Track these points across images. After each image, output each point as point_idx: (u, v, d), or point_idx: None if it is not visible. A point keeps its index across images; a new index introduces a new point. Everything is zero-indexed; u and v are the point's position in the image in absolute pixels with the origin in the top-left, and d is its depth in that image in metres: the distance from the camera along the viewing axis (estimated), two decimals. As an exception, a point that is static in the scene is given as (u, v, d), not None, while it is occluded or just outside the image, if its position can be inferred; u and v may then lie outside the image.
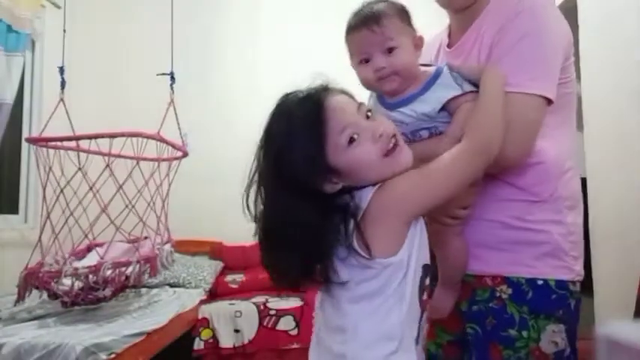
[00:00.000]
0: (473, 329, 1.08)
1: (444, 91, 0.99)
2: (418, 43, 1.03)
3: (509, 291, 1.04)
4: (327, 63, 4.88)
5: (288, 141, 0.85)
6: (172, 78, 2.91)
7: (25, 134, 3.30)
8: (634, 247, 2.16)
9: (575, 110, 1.14)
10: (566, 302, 1.05)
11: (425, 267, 0.92)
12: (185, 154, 2.94)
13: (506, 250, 1.06)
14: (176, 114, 2.82)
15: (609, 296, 2.34)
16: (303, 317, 3.25)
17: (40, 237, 2.40)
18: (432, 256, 1.02)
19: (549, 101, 1.01)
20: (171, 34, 2.95)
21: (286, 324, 3.26)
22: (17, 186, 3.39)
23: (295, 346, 3.22)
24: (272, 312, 3.27)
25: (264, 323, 3.25)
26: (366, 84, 1.05)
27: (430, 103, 0.99)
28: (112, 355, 2.03)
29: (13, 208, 3.35)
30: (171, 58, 2.91)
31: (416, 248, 0.89)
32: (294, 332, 3.25)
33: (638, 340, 0.32)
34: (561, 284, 1.05)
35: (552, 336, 1.03)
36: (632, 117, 2.34)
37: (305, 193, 0.85)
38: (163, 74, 2.89)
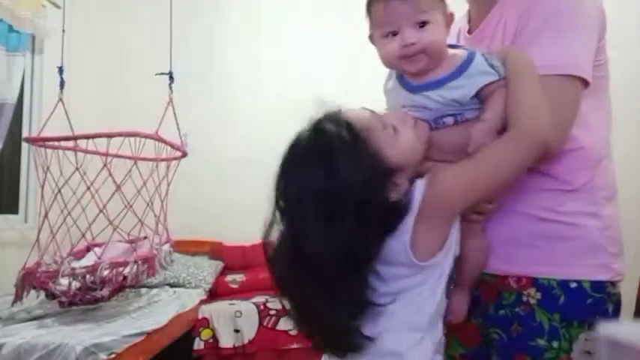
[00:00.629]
0: (497, 334, 0.98)
1: (479, 76, 0.89)
2: (449, 20, 0.93)
3: (538, 295, 0.93)
4: (328, 63, 4.89)
5: (337, 168, 0.78)
6: (171, 78, 2.91)
7: (25, 134, 3.30)
8: (634, 247, 2.15)
9: (609, 95, 1.04)
10: (604, 307, 0.94)
11: (455, 259, 0.89)
12: (184, 154, 2.93)
13: (534, 247, 0.95)
14: (175, 114, 2.82)
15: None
16: (303, 317, 3.24)
17: (37, 237, 2.40)
18: None
19: (586, 83, 0.92)
20: (170, 33, 2.94)
21: (286, 324, 3.25)
22: (17, 186, 3.39)
23: (295, 346, 3.22)
24: (272, 312, 3.26)
25: (264, 323, 3.25)
26: (389, 61, 0.93)
27: (463, 88, 0.89)
28: (112, 355, 2.03)
29: (13, 208, 3.35)
30: (170, 57, 2.91)
31: (453, 244, 0.86)
32: (294, 332, 3.25)
33: (638, 340, 0.31)
34: (598, 286, 0.93)
35: (585, 345, 0.92)
36: (631, 117, 2.34)
37: (368, 212, 0.78)
38: (162, 74, 2.89)
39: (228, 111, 4.16)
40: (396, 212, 0.81)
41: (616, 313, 0.97)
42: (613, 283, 0.96)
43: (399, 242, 0.81)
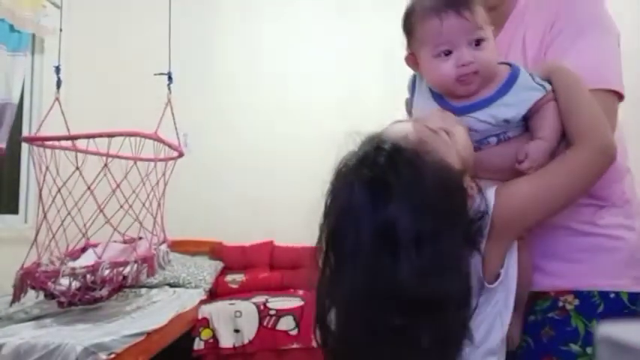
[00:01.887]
0: (525, 342, 0.95)
1: (528, 92, 0.83)
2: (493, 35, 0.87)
3: (576, 302, 0.92)
4: (328, 63, 4.89)
5: (418, 201, 0.68)
6: (170, 78, 2.91)
7: (25, 134, 3.30)
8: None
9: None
10: (636, 319, 0.92)
11: None
12: (181, 154, 2.93)
13: (577, 261, 0.94)
14: (173, 114, 2.82)
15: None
16: (303, 317, 3.25)
17: (36, 237, 2.40)
18: None
19: (620, 97, 0.93)
20: (169, 34, 2.94)
21: (286, 324, 3.26)
22: (17, 186, 3.39)
23: (295, 346, 3.22)
24: (272, 312, 3.26)
25: (264, 323, 3.25)
26: (443, 83, 0.85)
27: (514, 106, 0.83)
28: (112, 355, 2.03)
29: (12, 208, 3.35)
30: (169, 58, 2.91)
31: (514, 262, 0.81)
32: (294, 332, 3.25)
33: (638, 340, 0.31)
34: (634, 298, 0.93)
35: None
36: (631, 116, 2.34)
37: (463, 231, 0.72)
38: (161, 74, 2.89)
39: (227, 111, 4.16)
40: (478, 224, 0.75)
41: None
42: None
43: (475, 261, 0.75)
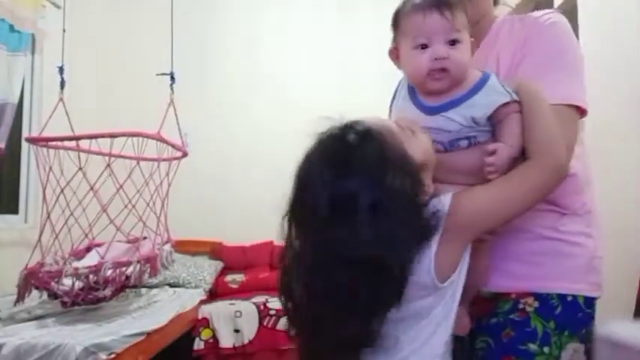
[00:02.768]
0: (485, 343, 1.00)
1: (495, 96, 0.89)
2: (472, 46, 0.95)
3: (536, 304, 0.98)
4: (328, 62, 4.89)
5: (375, 173, 0.77)
6: (172, 78, 2.91)
7: (25, 134, 3.30)
8: (634, 248, 2.15)
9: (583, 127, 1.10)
10: (590, 321, 1.00)
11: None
12: (185, 154, 2.94)
13: (538, 264, 0.99)
14: (176, 114, 2.83)
15: (609, 296, 2.34)
16: (303, 317, 3.24)
17: (39, 237, 2.40)
18: None
19: (582, 113, 0.98)
20: (171, 33, 2.95)
21: (286, 324, 3.25)
22: (17, 186, 3.39)
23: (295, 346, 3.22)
24: (272, 312, 3.26)
25: (264, 323, 3.25)
26: (416, 74, 0.93)
27: (481, 107, 0.89)
28: (112, 355, 2.03)
29: (13, 208, 3.35)
30: (171, 58, 2.91)
31: (465, 266, 0.86)
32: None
33: (638, 340, 0.32)
34: (589, 302, 1.00)
35: (572, 356, 0.96)
36: (631, 116, 2.34)
37: (409, 209, 0.79)
38: (163, 74, 2.89)
39: (227, 111, 4.16)
40: (432, 219, 0.81)
41: (593, 329, 1.03)
42: (595, 300, 1.02)
43: (425, 258, 0.80)
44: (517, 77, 0.97)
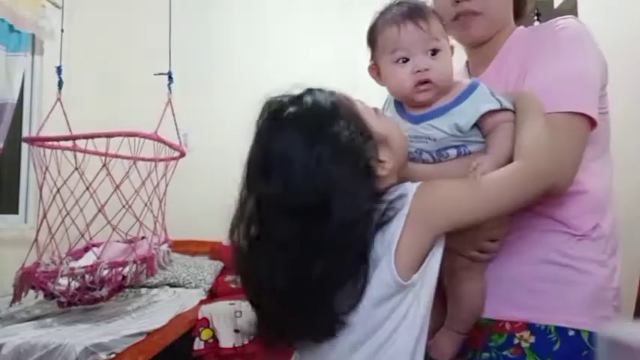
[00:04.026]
0: None
1: (482, 103, 0.85)
2: (452, 52, 0.92)
3: (532, 339, 0.88)
4: (328, 62, 4.90)
5: (332, 127, 0.75)
6: (170, 78, 2.91)
7: (25, 134, 3.30)
8: (634, 247, 2.15)
9: (609, 148, 1.01)
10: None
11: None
12: (182, 154, 2.93)
13: (539, 291, 0.90)
14: (173, 114, 2.82)
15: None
16: (303, 317, 3.24)
17: (36, 237, 2.40)
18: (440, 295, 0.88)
19: (592, 124, 0.89)
20: (170, 34, 2.95)
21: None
22: (17, 186, 3.39)
23: (295, 346, 3.22)
24: (272, 312, 3.26)
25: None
26: (400, 89, 0.89)
27: (465, 115, 0.85)
28: (112, 355, 2.03)
29: (13, 208, 3.35)
30: (169, 58, 2.91)
31: (431, 270, 0.78)
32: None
33: (638, 340, 0.31)
34: (596, 339, 0.89)
35: None
36: (631, 116, 2.34)
37: (362, 175, 0.75)
38: (161, 74, 2.89)
39: (227, 111, 4.15)
40: (395, 202, 0.75)
41: None
42: None
43: (386, 244, 0.74)
44: (519, 90, 0.92)
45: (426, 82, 0.86)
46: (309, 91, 0.81)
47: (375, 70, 0.94)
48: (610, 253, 0.94)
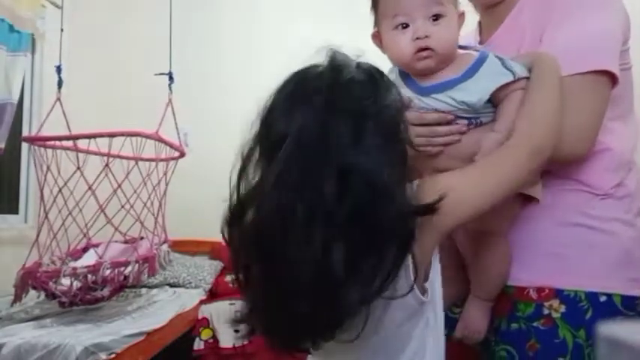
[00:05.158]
0: (507, 352, 0.87)
1: (492, 78, 0.81)
2: (461, 19, 0.85)
3: (562, 308, 0.84)
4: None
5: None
6: (171, 78, 2.91)
7: (25, 134, 3.30)
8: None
9: (633, 105, 0.96)
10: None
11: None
12: (182, 154, 2.93)
13: (561, 255, 0.85)
14: (174, 114, 2.82)
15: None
16: (303, 317, 3.24)
17: (37, 237, 2.40)
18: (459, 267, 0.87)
19: (614, 81, 0.84)
20: (170, 33, 2.95)
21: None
22: (17, 186, 3.39)
23: (295, 346, 3.22)
24: (272, 312, 3.26)
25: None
26: (399, 57, 0.84)
27: (475, 92, 0.81)
28: (112, 355, 2.03)
29: (13, 208, 3.35)
30: (169, 58, 2.91)
31: (438, 277, 0.73)
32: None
33: (638, 340, 0.31)
34: (630, 302, 0.84)
35: None
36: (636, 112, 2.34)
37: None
38: (162, 74, 2.89)
39: (228, 111, 4.15)
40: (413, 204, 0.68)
41: None
42: (638, 300, 0.86)
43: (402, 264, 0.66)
44: (537, 52, 0.87)
45: (426, 48, 0.81)
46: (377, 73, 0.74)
47: (377, 38, 0.88)
48: (636, 212, 0.89)
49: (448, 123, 0.83)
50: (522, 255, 0.87)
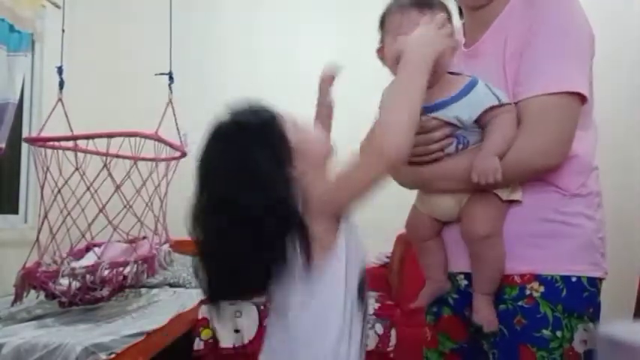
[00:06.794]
0: (499, 330, 1.02)
1: (482, 100, 0.95)
2: (455, 46, 0.99)
3: (542, 289, 1.00)
4: (327, 61, 4.83)
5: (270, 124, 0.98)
6: (171, 78, 2.91)
7: (25, 134, 3.30)
8: (634, 247, 2.15)
9: (593, 115, 1.10)
10: (596, 300, 1.03)
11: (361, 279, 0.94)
12: (183, 154, 2.93)
13: (540, 246, 1.02)
14: (174, 114, 2.83)
15: (609, 296, 2.34)
16: (303, 317, 3.24)
17: (37, 237, 2.40)
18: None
19: (583, 100, 0.98)
20: (170, 33, 2.95)
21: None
22: (17, 186, 3.39)
23: (295, 345, 3.22)
24: (272, 312, 3.26)
25: (264, 323, 3.25)
26: (393, 62, 0.95)
27: (467, 110, 0.95)
28: (112, 355, 2.03)
29: (13, 208, 3.35)
30: (169, 58, 2.91)
31: (342, 254, 0.90)
32: (294, 332, 3.24)
33: (638, 340, 0.31)
34: (592, 282, 1.02)
35: (583, 335, 1.00)
36: (631, 116, 2.34)
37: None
38: (162, 74, 2.89)
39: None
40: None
41: (600, 307, 1.05)
42: (600, 280, 1.05)
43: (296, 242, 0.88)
44: (399, 42, 0.96)
45: None
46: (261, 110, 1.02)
47: (382, 52, 1.03)
48: (596, 207, 1.05)
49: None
50: (508, 247, 1.02)
